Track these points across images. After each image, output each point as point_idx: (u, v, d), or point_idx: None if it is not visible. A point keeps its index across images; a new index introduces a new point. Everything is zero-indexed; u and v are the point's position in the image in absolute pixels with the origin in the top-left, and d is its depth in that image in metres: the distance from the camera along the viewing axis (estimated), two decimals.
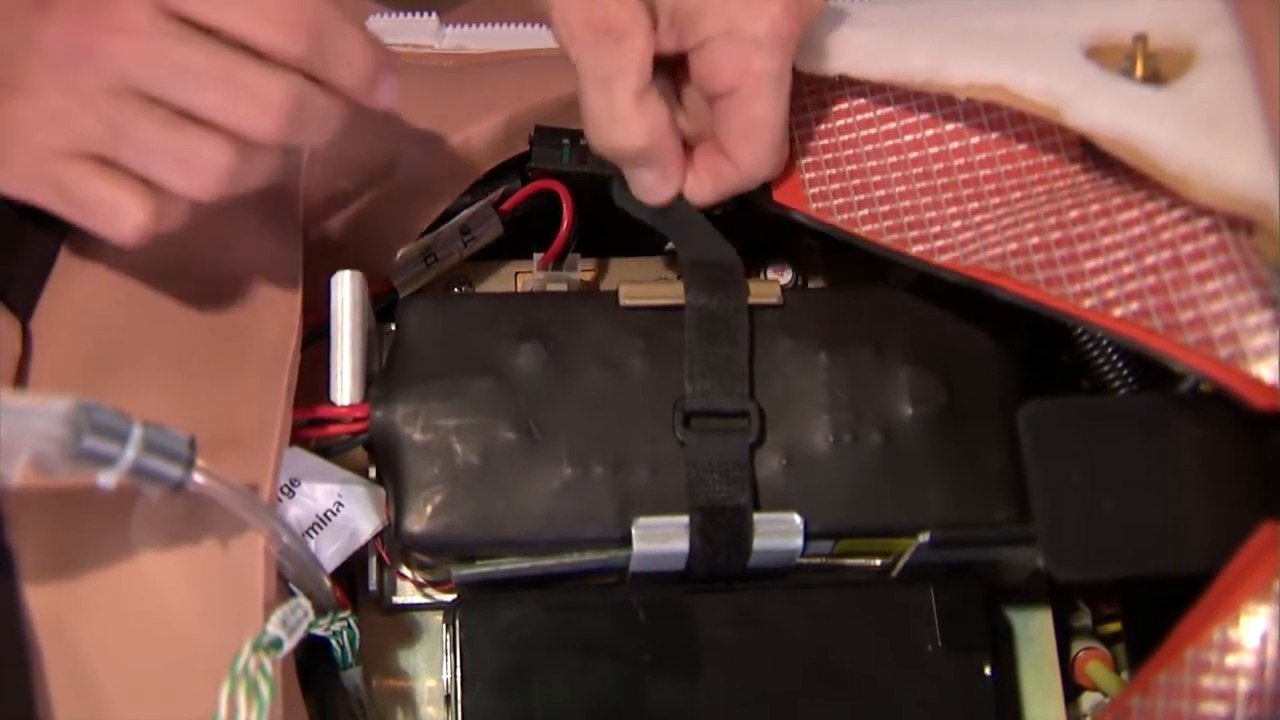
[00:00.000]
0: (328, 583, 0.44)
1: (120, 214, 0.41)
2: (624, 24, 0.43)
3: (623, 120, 0.44)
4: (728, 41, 0.44)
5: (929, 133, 0.47)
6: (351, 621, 0.45)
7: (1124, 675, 0.51)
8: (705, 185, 0.47)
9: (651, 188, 0.47)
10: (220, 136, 0.40)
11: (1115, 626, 0.52)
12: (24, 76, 0.40)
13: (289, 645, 0.39)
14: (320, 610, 0.43)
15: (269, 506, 0.42)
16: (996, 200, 0.46)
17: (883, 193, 0.47)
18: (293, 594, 0.43)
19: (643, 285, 0.48)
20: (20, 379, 0.45)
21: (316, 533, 0.45)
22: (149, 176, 0.40)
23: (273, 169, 0.43)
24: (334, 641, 0.44)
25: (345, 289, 0.47)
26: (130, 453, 0.36)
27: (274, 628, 0.39)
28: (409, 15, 0.60)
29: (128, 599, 0.42)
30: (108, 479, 0.36)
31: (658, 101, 0.44)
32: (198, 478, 0.38)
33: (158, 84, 0.39)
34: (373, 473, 0.48)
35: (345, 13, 0.41)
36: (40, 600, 0.43)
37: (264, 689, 0.38)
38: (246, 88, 0.39)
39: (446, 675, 0.46)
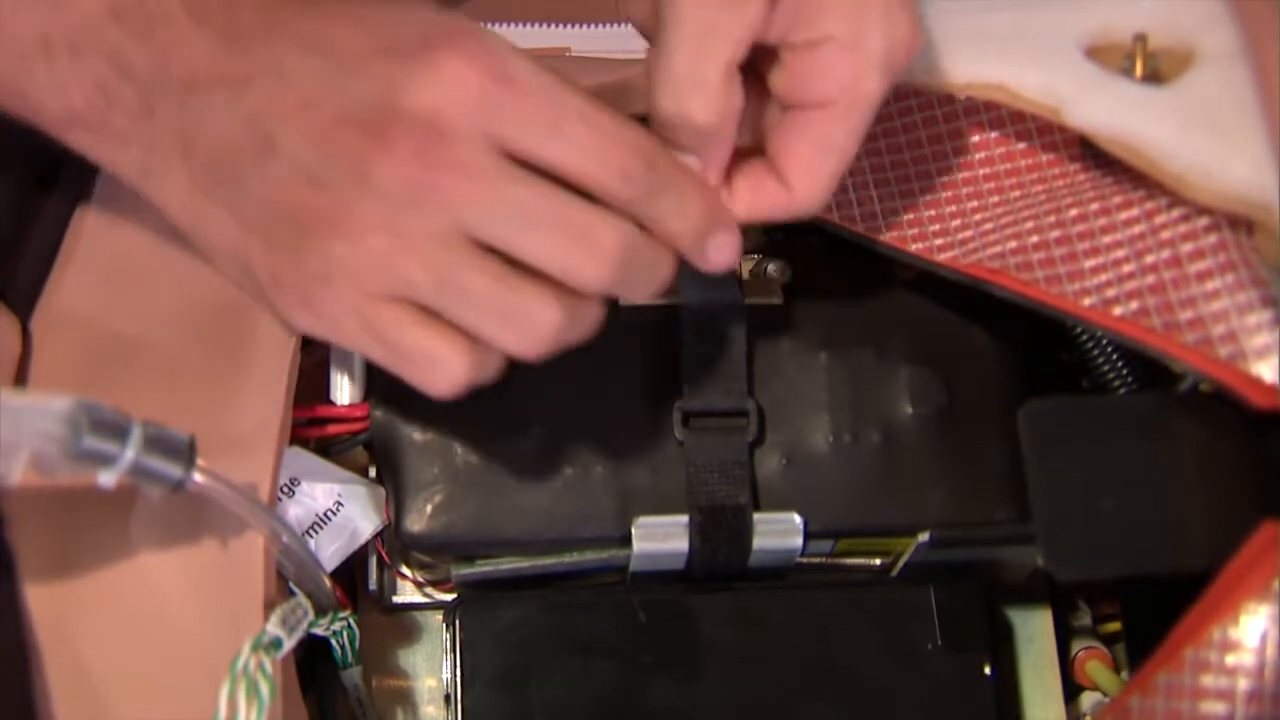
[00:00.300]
0: (328, 582, 0.44)
1: (439, 366, 0.38)
2: None
3: (706, 87, 0.39)
4: (848, 48, 0.39)
5: (928, 132, 0.47)
6: (351, 621, 0.45)
7: (1124, 675, 0.51)
8: (741, 201, 0.42)
9: None
10: (550, 294, 0.37)
11: (1115, 626, 0.52)
12: (349, 214, 0.36)
13: (289, 645, 0.39)
14: (320, 610, 0.43)
15: (269, 506, 0.42)
16: (996, 199, 0.46)
17: (882, 191, 0.47)
18: (293, 594, 0.43)
19: None
20: (20, 378, 0.45)
21: (316, 532, 0.45)
22: (473, 331, 0.38)
23: (594, 324, 0.39)
24: (334, 641, 0.44)
25: None
26: (130, 452, 0.36)
27: (273, 627, 0.39)
28: None
29: (127, 598, 0.42)
30: (108, 478, 0.36)
31: (740, 84, 0.39)
32: (198, 477, 0.38)
33: (490, 228, 0.36)
34: (373, 473, 0.48)
35: (680, 163, 0.39)
36: (40, 600, 0.43)
37: (264, 689, 0.38)
38: (580, 232, 0.37)
39: (446, 675, 0.46)
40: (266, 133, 0.36)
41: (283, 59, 0.36)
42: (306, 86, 0.36)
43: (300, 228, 0.37)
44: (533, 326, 0.37)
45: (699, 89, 0.39)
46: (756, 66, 0.41)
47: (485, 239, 0.37)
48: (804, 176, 0.41)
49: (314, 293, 0.38)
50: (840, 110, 0.40)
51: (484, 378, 0.39)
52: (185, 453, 0.37)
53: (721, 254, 0.40)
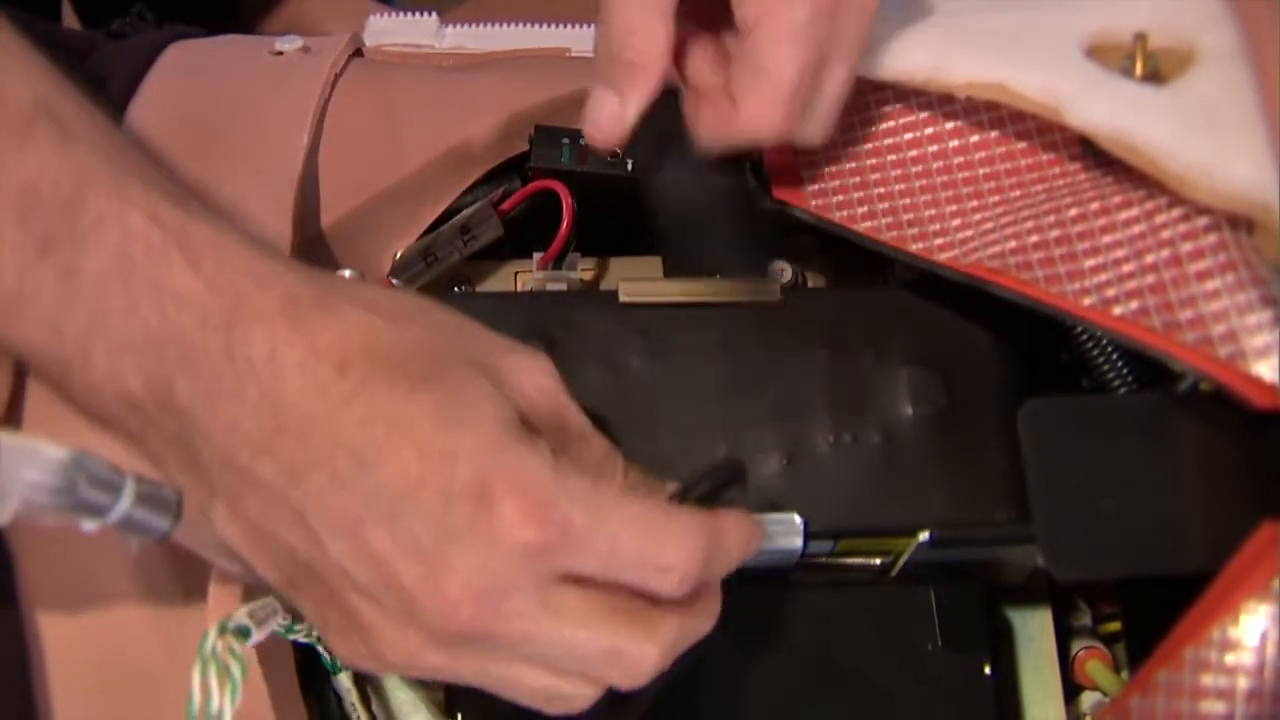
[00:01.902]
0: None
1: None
2: None
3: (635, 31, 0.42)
4: None
5: (928, 131, 0.47)
6: None
7: (1124, 675, 0.51)
8: (703, 125, 0.44)
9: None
10: (589, 686, 0.39)
11: (1115, 626, 0.52)
12: (401, 635, 0.37)
13: (257, 636, 0.39)
14: (299, 618, 0.43)
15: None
16: (996, 199, 0.46)
17: (882, 190, 0.47)
18: None
19: (642, 283, 0.48)
20: (19, 385, 0.45)
21: None
22: (514, 700, 0.39)
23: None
24: (321, 648, 0.44)
25: None
26: (122, 505, 0.36)
27: (241, 617, 0.39)
28: (409, 15, 0.60)
29: (124, 602, 0.43)
30: (93, 526, 0.36)
31: (669, 26, 0.42)
32: (182, 529, 0.38)
33: (538, 657, 0.38)
34: None
35: (720, 530, 0.39)
36: (40, 600, 0.43)
37: (235, 669, 0.38)
38: (622, 659, 0.38)
39: None
40: (316, 534, 0.36)
41: (336, 462, 0.36)
42: (359, 504, 0.36)
43: (352, 621, 0.37)
44: (572, 705, 0.39)
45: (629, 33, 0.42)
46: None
47: (533, 661, 0.38)
48: (747, 99, 0.43)
49: (368, 665, 0.38)
50: (768, 32, 0.42)
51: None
52: (174, 507, 0.37)
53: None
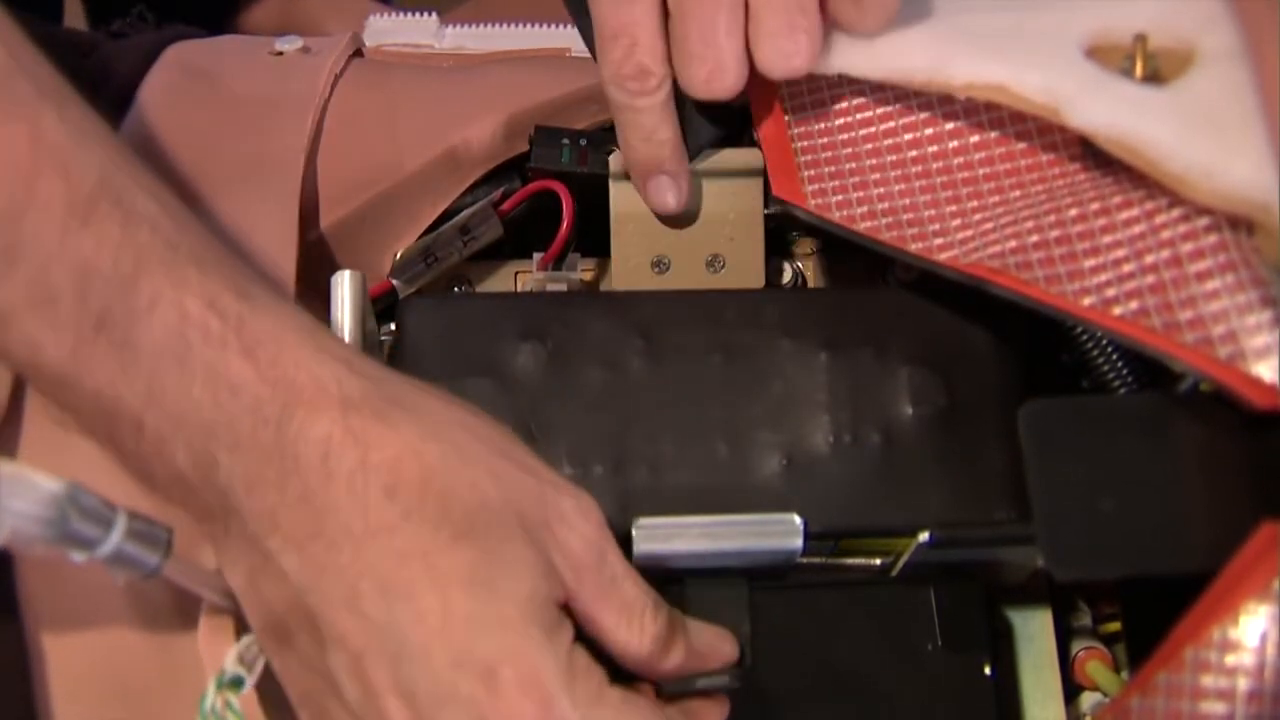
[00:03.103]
0: None
1: None
2: None
3: None
4: None
5: (928, 131, 0.47)
6: None
7: (1124, 675, 0.51)
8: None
9: None
10: None
11: (1115, 626, 0.52)
12: None
13: (251, 681, 0.40)
14: None
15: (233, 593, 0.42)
16: (995, 199, 0.46)
17: (881, 190, 0.47)
18: None
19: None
20: (16, 394, 0.45)
21: None
22: None
23: None
24: None
25: (345, 289, 0.47)
26: (113, 539, 0.36)
27: (231, 665, 0.40)
28: (409, 15, 0.60)
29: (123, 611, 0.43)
30: (82, 558, 0.36)
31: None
32: (171, 564, 0.38)
33: None
34: None
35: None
36: (40, 601, 0.43)
37: None
38: None
39: None
40: (323, 639, 0.37)
41: (361, 584, 0.36)
42: (370, 633, 0.36)
43: None
44: None
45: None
46: None
47: None
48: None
49: None
50: None
51: None
52: (164, 544, 0.37)
53: None
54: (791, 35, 0.44)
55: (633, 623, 0.40)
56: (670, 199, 0.49)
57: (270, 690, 0.40)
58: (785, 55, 0.45)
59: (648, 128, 0.47)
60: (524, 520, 0.38)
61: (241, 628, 0.42)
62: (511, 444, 0.40)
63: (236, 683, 0.39)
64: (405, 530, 0.36)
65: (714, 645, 0.43)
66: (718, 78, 0.45)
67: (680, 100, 0.48)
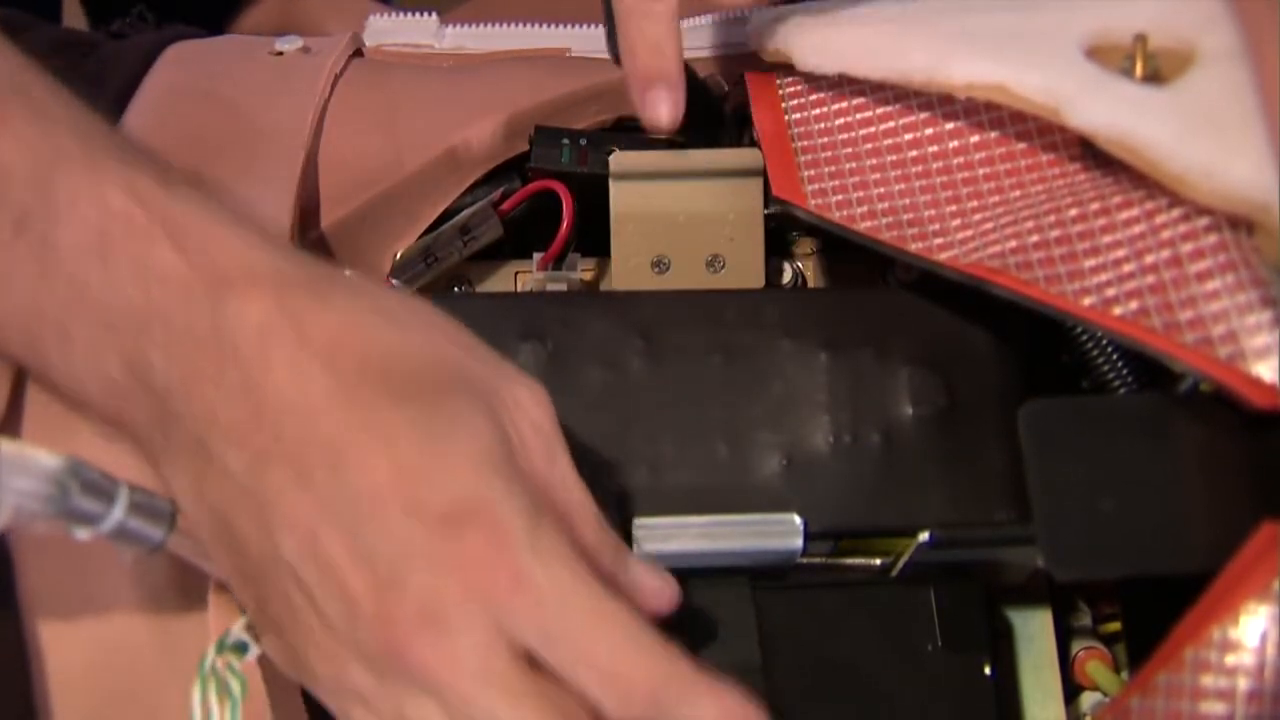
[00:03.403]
0: None
1: None
2: None
3: None
4: None
5: (928, 131, 0.47)
6: None
7: (1124, 675, 0.51)
8: None
9: None
10: None
11: (1115, 626, 0.52)
12: (334, 648, 0.36)
13: (256, 650, 0.39)
14: None
15: None
16: (995, 199, 0.46)
17: (882, 191, 0.47)
18: None
19: (635, 155, 0.49)
20: (18, 386, 0.45)
21: None
22: None
23: None
24: None
25: None
26: (115, 514, 0.36)
27: (239, 631, 0.39)
28: (409, 15, 0.60)
29: (124, 606, 0.43)
30: (86, 535, 0.36)
31: None
32: (176, 539, 0.37)
33: (459, 717, 0.35)
34: None
35: (696, 675, 0.36)
36: (39, 601, 0.43)
37: (235, 686, 0.38)
38: None
39: None
40: (272, 528, 0.35)
41: (306, 460, 0.35)
42: (321, 506, 0.35)
43: (290, 620, 0.36)
44: None
45: None
46: None
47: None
48: None
49: (294, 668, 0.37)
50: None
51: None
52: (168, 518, 0.37)
53: None
54: None
55: (576, 527, 0.38)
56: (664, 111, 0.47)
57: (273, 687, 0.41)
58: None
59: (655, 36, 0.46)
60: (473, 388, 0.37)
61: None
62: (458, 328, 0.39)
63: (240, 648, 0.39)
64: (347, 397, 0.35)
65: (657, 588, 0.40)
66: None
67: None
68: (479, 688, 0.35)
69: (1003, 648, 0.50)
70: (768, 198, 0.49)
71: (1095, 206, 0.43)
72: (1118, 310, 0.42)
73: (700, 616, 0.46)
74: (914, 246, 0.46)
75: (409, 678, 0.35)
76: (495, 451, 0.36)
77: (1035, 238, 0.44)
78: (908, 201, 0.47)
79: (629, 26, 0.46)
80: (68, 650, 0.43)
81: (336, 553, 0.35)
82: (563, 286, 0.51)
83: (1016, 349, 0.48)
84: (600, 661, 0.35)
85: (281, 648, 0.37)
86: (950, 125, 0.47)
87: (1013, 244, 0.44)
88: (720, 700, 0.36)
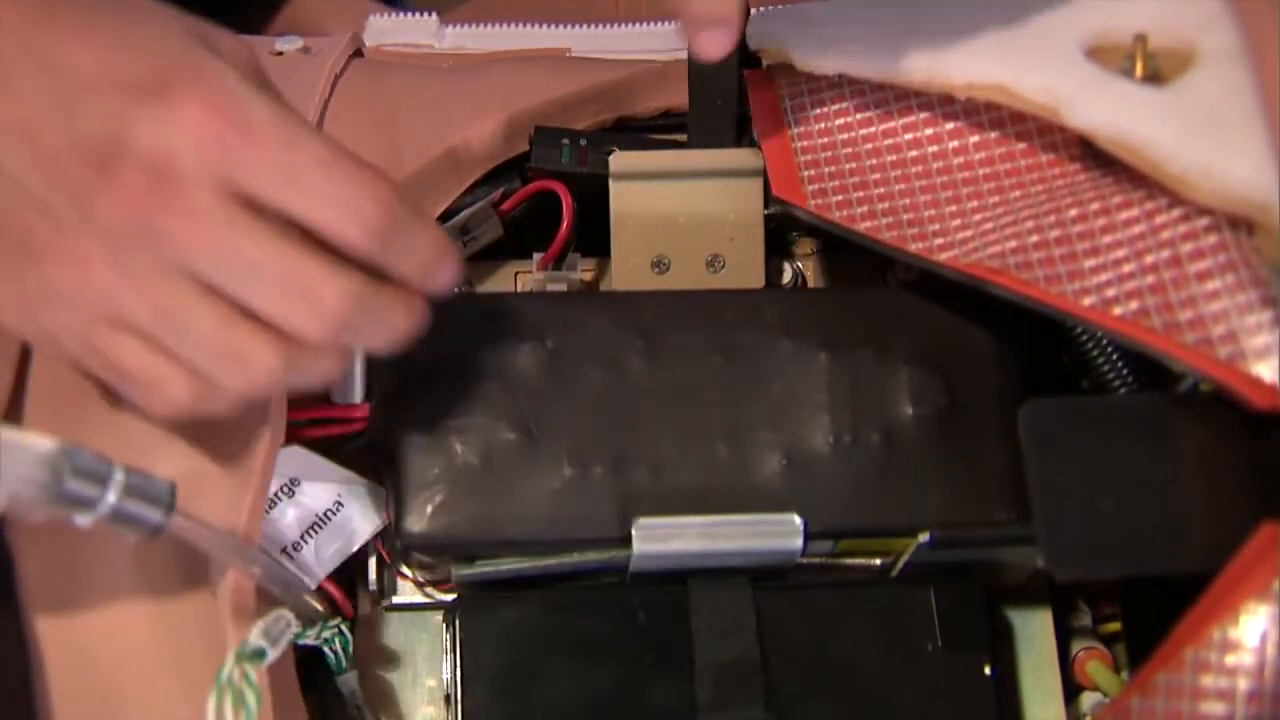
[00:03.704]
0: (315, 602, 0.44)
1: (161, 391, 0.38)
2: None
3: None
4: None
5: (928, 131, 0.47)
6: (343, 628, 0.45)
7: (1124, 675, 0.51)
8: None
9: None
10: (271, 341, 0.37)
11: (1115, 626, 0.52)
12: (73, 245, 0.36)
13: (273, 655, 0.39)
14: (309, 622, 0.43)
15: (246, 546, 0.41)
16: (995, 199, 0.46)
17: (882, 191, 0.47)
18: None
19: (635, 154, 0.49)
20: (19, 380, 0.45)
21: (316, 533, 0.45)
22: (194, 367, 0.38)
23: (328, 370, 0.39)
24: (326, 648, 0.44)
25: None
26: (111, 497, 0.36)
27: (256, 638, 0.39)
28: (409, 15, 0.60)
29: (125, 603, 0.43)
30: (85, 520, 0.36)
31: None
32: (175, 521, 0.37)
33: (213, 275, 0.36)
34: (373, 473, 0.48)
35: (413, 203, 0.38)
36: (41, 602, 0.43)
37: (250, 698, 0.38)
38: (301, 288, 0.36)
39: (446, 675, 0.46)
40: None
41: (10, 72, 0.36)
42: (35, 109, 0.35)
43: (24, 249, 0.37)
44: (250, 370, 0.38)
45: None
46: None
47: (209, 283, 0.36)
48: None
49: (35, 312, 0.38)
50: None
51: (214, 410, 0.39)
52: (165, 498, 0.37)
53: (447, 279, 0.40)
54: None
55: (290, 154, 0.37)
56: (719, 49, 0.41)
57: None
58: None
59: None
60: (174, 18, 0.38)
61: (264, 597, 0.42)
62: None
63: (259, 654, 0.39)
64: (46, 12, 0.36)
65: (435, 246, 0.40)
66: None
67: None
68: (224, 236, 0.35)
69: (1003, 648, 0.50)
70: (768, 198, 0.49)
71: (1095, 206, 0.43)
72: (1118, 310, 0.42)
73: (700, 616, 0.46)
74: (914, 246, 0.46)
75: (155, 249, 0.36)
76: (194, 33, 0.37)
77: (1035, 238, 0.44)
78: (908, 201, 0.47)
79: None
80: (67, 643, 0.43)
81: (57, 145, 0.35)
82: (563, 286, 0.51)
83: (1016, 349, 0.48)
84: (335, 193, 0.36)
85: (18, 286, 0.37)
86: (950, 125, 0.47)
87: (1013, 244, 0.44)
88: (436, 234, 0.39)
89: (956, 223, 0.46)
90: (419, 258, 0.39)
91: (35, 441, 0.34)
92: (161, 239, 0.36)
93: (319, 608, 0.44)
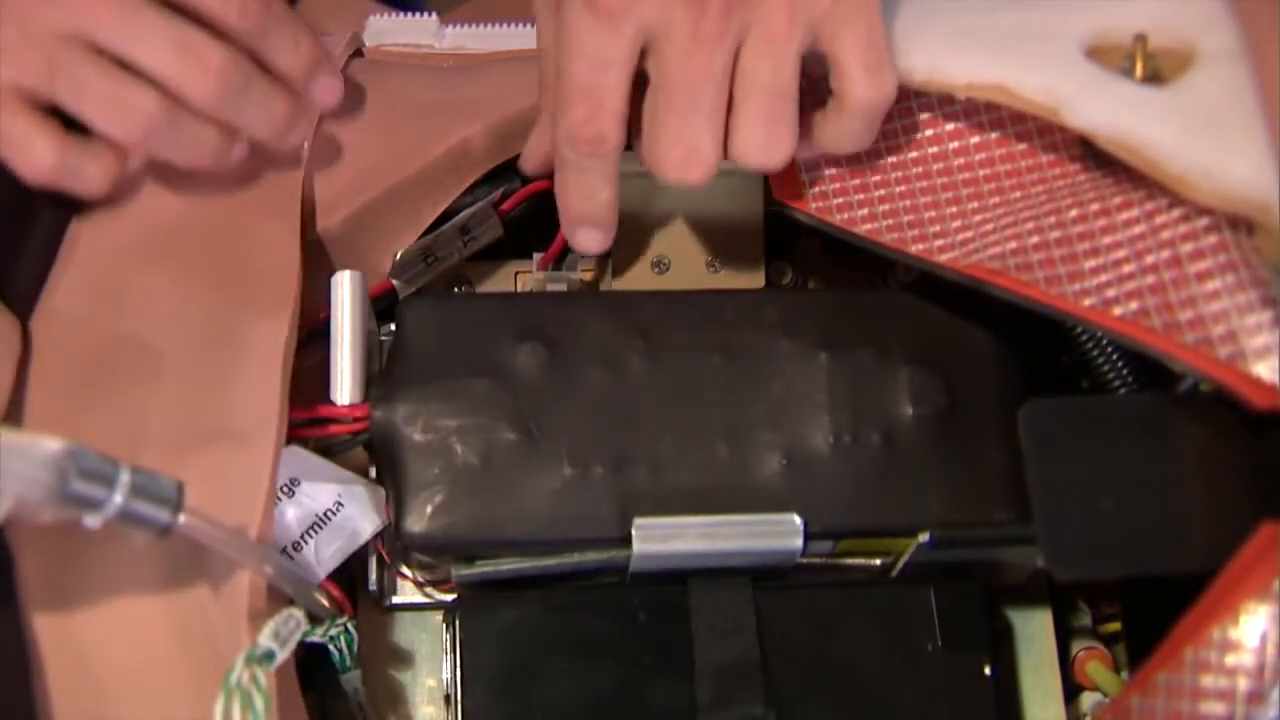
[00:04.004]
0: (324, 600, 0.44)
1: (26, 150, 0.44)
2: None
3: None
4: None
5: (928, 132, 0.47)
6: (349, 626, 0.45)
7: (1124, 675, 0.51)
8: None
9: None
10: (153, 88, 0.43)
11: (1115, 626, 0.52)
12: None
13: (282, 656, 0.39)
14: (316, 620, 0.43)
15: (258, 545, 0.41)
16: (996, 200, 0.46)
17: (882, 192, 0.47)
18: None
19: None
20: (21, 378, 0.45)
21: (316, 532, 0.45)
22: (79, 115, 0.43)
23: (208, 142, 0.45)
24: (332, 646, 0.44)
25: (345, 289, 0.47)
26: (118, 497, 0.35)
27: (266, 640, 0.39)
28: (409, 15, 0.60)
29: (126, 604, 0.43)
30: (93, 521, 0.36)
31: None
32: (185, 521, 0.37)
33: (109, 36, 0.42)
34: (373, 473, 0.48)
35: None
36: (40, 602, 0.43)
37: (258, 702, 0.38)
38: (187, 48, 0.43)
39: (446, 675, 0.46)
40: None
41: None
42: None
43: None
44: (131, 113, 0.43)
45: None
46: None
47: (102, 46, 0.43)
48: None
49: None
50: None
51: (80, 184, 0.45)
52: (173, 498, 0.37)
53: (327, 94, 0.48)
54: (772, 127, 0.43)
55: None
56: (595, 248, 0.48)
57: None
58: (763, 149, 0.43)
59: (589, 187, 0.45)
60: None
61: (274, 597, 0.42)
62: None
63: (268, 657, 0.39)
64: None
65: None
66: (693, 161, 0.43)
67: None
68: (119, 5, 0.42)
69: (1003, 648, 0.50)
70: (768, 198, 0.49)
71: (1095, 207, 0.43)
72: (1118, 310, 0.42)
73: (700, 616, 0.46)
74: (915, 248, 0.46)
75: (63, 12, 0.42)
76: None
77: (1035, 238, 0.44)
78: (908, 203, 0.47)
79: (564, 173, 0.46)
80: (67, 639, 0.43)
81: None
82: (563, 286, 0.51)
83: (1016, 349, 0.48)
84: None
85: None
86: (950, 125, 0.47)
87: (1013, 245, 0.44)
88: (313, 39, 0.46)
89: (957, 224, 0.46)
90: (299, 53, 0.46)
91: (40, 443, 0.34)
92: (61, 8, 0.42)
93: (328, 605, 0.44)
